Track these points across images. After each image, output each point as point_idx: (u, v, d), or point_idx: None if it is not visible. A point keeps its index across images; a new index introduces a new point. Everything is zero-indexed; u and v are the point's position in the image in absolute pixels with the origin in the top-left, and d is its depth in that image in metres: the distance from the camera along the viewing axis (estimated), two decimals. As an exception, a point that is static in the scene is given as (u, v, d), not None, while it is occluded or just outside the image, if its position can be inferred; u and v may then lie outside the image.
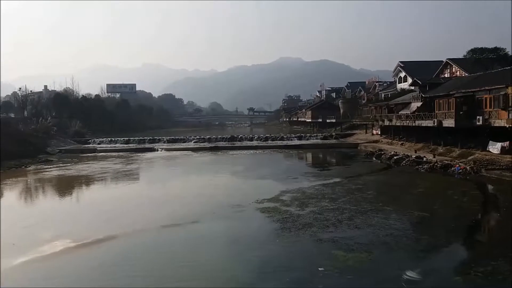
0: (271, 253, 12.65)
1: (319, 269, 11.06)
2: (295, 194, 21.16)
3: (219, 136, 65.23)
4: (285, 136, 65.47)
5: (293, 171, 32.05)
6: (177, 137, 64.72)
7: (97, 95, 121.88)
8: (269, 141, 60.27)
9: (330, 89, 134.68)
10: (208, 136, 65.04)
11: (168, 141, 61.10)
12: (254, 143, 59.26)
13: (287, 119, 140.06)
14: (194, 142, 60.87)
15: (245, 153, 48.46)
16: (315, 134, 68.90)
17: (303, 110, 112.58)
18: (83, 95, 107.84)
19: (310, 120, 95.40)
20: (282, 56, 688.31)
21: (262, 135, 67.19)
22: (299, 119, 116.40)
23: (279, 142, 59.01)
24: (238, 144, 58.10)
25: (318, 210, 17.45)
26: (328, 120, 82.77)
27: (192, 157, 45.23)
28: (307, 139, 62.29)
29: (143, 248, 13.52)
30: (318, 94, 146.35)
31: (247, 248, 13.27)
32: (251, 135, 68.96)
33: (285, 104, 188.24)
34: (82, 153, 50.43)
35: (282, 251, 12.77)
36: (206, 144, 57.22)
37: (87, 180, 29.07)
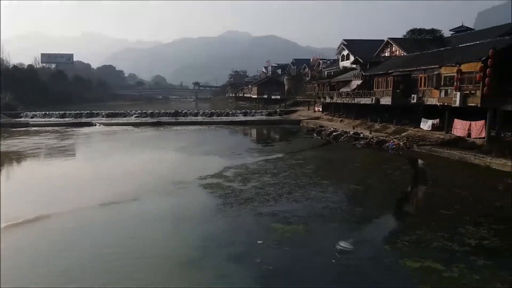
0: (213, 228, 12.74)
1: (258, 242, 11.34)
2: (238, 169, 21.31)
3: (162, 111, 63.77)
4: (230, 112, 65.44)
5: (238, 147, 32.17)
6: (117, 111, 62.47)
7: (30, 65, 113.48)
8: (214, 117, 59.97)
9: (276, 65, 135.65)
10: (150, 111, 63.38)
11: (107, 116, 58.78)
12: (199, 118, 58.72)
13: (233, 95, 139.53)
14: (136, 116, 59.10)
15: (190, 128, 47.86)
16: (260, 110, 69.56)
17: (249, 86, 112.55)
18: (14, 65, 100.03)
19: (255, 96, 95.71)
20: (229, 29, 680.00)
21: (207, 111, 66.60)
22: (245, 95, 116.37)
23: (224, 118, 58.90)
24: (182, 119, 57.23)
25: (260, 185, 17.77)
26: (273, 97, 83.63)
27: (133, 132, 43.91)
28: (252, 115, 62.75)
29: (80, 228, 13.01)
30: (264, 70, 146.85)
31: (188, 224, 13.24)
32: (196, 110, 68.20)
33: (232, 79, 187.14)
34: (13, 128, 47.17)
35: (223, 226, 12.89)
36: (148, 119, 55.80)
37: (18, 157, 27.31)
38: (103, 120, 54.57)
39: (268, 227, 12.50)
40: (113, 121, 53.44)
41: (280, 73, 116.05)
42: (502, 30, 43.14)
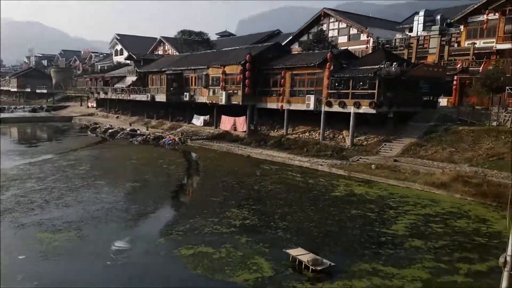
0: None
1: (20, 257, 10.01)
2: (-8, 177, 18.12)
3: None
4: (-20, 108, 54.81)
5: (-9, 150, 27.23)
6: None
7: None
8: (-45, 114, 49.02)
9: (41, 55, 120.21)
10: None
11: None
12: None
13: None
14: None
15: None
16: (22, 106, 61.29)
17: (7, 78, 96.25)
18: None
19: (15, 90, 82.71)
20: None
21: None
22: (1, 88, 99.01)
23: (-29, 116, 48.84)
24: None
25: (22, 193, 15.66)
26: (38, 91, 74.15)
27: None
28: (12, 112, 54.68)
29: None
30: (26, 60, 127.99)
31: None
32: None
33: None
34: None
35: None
36: None
37: None
38: None
39: (33, 239, 11.17)
40: None
41: (46, 64, 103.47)
42: (258, 37, 50.22)
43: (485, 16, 28.92)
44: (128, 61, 52.18)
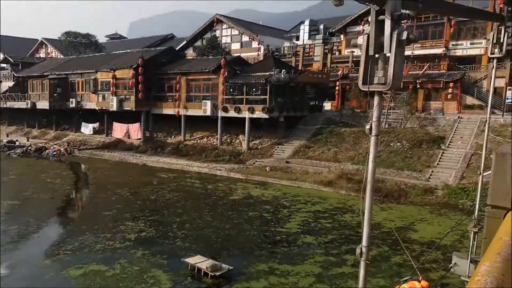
0: None
1: None
2: None
3: None
4: None
5: None
6: None
7: None
8: None
9: None
10: None
11: None
12: None
13: None
14: None
15: None
16: None
17: None
18: None
19: None
20: None
21: None
22: None
23: None
24: None
25: None
26: None
27: None
28: None
29: None
30: None
31: None
32: None
33: None
34: None
35: None
36: None
37: None
38: None
39: None
40: None
41: None
42: (151, 40, 48.91)
43: (361, 27, 32.02)
44: (4, 65, 46.92)
